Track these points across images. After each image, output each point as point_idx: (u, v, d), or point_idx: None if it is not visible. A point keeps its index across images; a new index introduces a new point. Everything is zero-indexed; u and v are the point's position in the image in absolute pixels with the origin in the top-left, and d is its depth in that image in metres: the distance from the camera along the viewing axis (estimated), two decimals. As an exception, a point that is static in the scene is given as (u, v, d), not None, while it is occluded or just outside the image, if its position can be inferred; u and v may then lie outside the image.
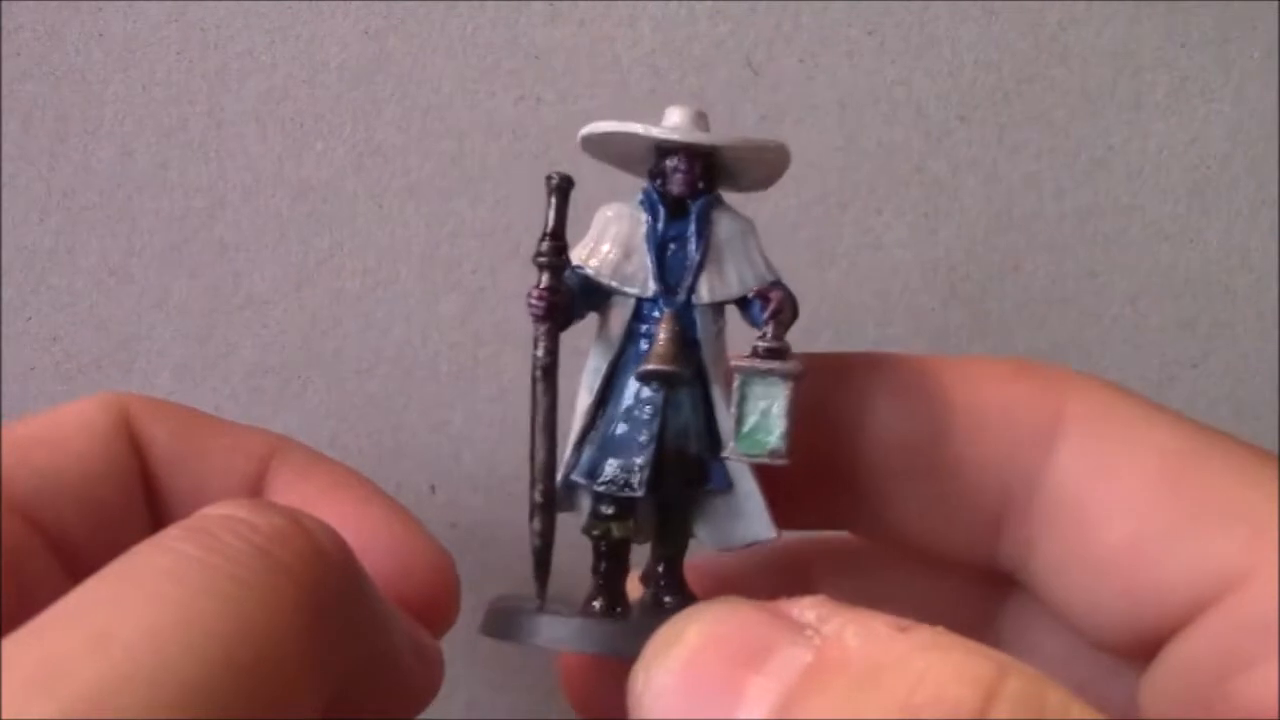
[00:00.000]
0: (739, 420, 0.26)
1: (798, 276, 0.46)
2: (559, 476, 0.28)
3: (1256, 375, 0.46)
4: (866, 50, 0.45)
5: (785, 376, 0.26)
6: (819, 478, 0.29)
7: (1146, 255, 0.46)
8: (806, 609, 0.23)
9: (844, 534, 0.32)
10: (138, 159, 0.45)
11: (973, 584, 0.31)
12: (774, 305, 0.27)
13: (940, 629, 0.22)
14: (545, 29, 0.45)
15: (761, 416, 0.26)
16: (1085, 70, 0.45)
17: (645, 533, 0.28)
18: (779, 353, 0.26)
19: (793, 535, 0.31)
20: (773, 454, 0.26)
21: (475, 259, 0.46)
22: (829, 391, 0.29)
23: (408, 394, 0.46)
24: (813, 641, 0.22)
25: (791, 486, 0.28)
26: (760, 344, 0.26)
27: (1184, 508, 0.26)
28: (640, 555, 0.29)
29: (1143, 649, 0.27)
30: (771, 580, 0.26)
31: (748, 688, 0.22)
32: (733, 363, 0.26)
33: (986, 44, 0.45)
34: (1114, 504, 0.26)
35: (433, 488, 0.47)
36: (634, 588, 0.29)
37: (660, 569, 0.29)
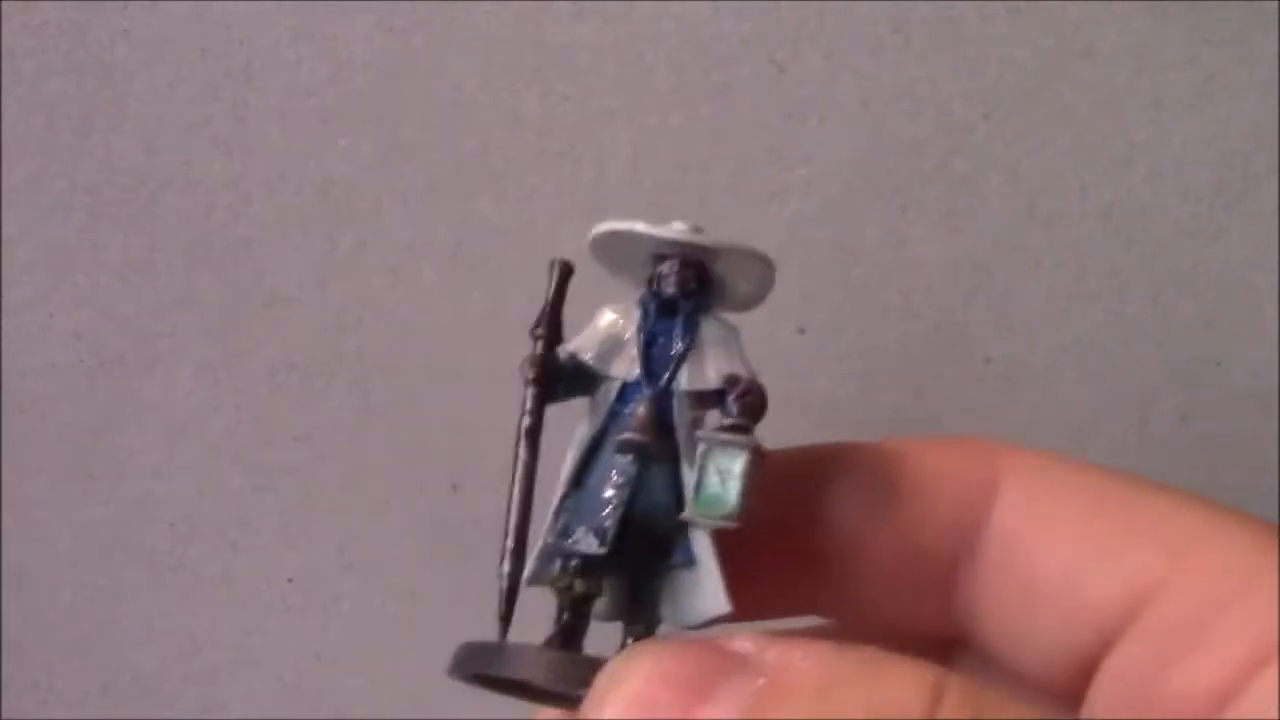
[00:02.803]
0: (699, 484, 0.28)
1: (821, 274, 0.46)
2: (543, 540, 0.30)
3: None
4: (891, 48, 0.45)
5: (743, 447, 0.28)
6: (786, 565, 0.31)
7: (1168, 253, 0.46)
8: (744, 641, 0.25)
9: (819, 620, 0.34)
10: (161, 155, 0.45)
11: (937, 654, 0.33)
12: (742, 386, 0.29)
13: (871, 648, 0.24)
14: (569, 26, 0.45)
15: (720, 483, 0.28)
16: (1108, 68, 0.46)
17: (614, 611, 0.30)
18: (741, 429, 0.29)
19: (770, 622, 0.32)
20: (727, 516, 0.28)
21: (499, 256, 0.45)
22: (789, 484, 0.31)
23: (430, 392, 0.46)
24: (756, 670, 0.24)
25: (760, 575, 0.30)
26: (725, 420, 0.29)
27: (1107, 533, 0.28)
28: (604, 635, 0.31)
29: (1082, 677, 0.28)
30: None
31: (700, 714, 0.24)
32: (698, 433, 0.29)
33: (1010, 42, 0.45)
34: (1045, 541, 0.29)
35: (455, 486, 0.47)
36: None
37: (628, 644, 0.30)
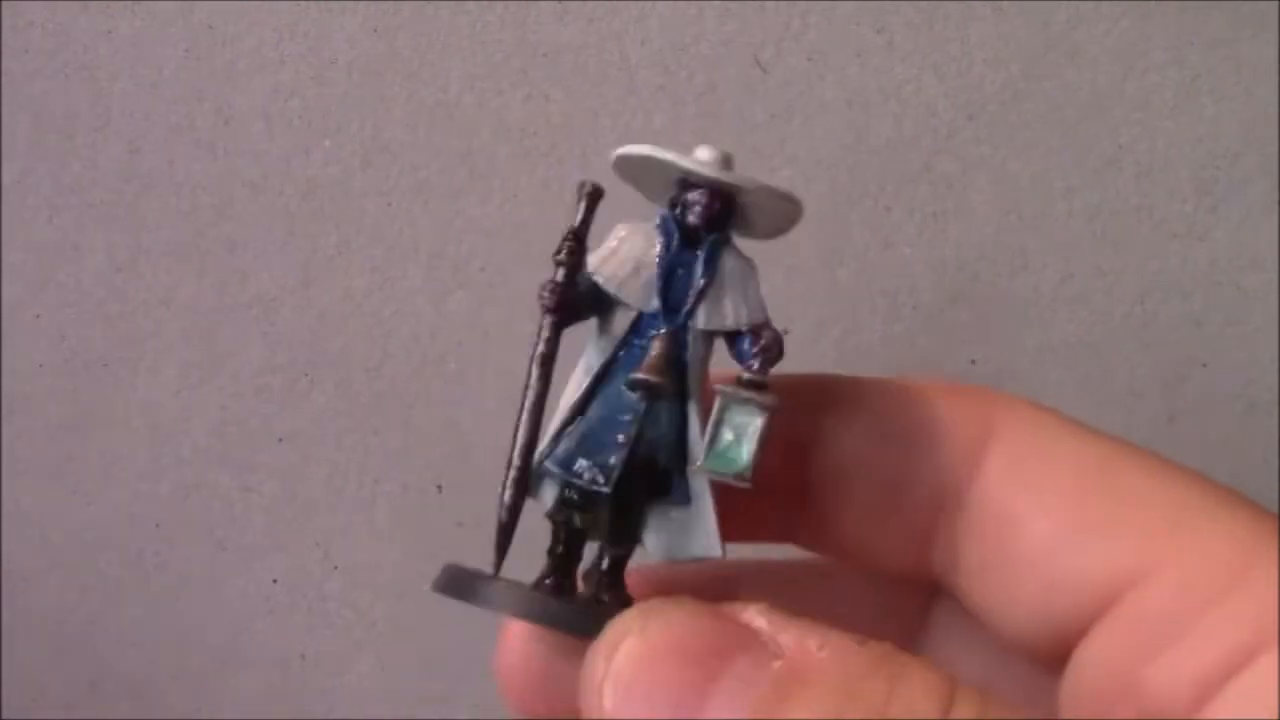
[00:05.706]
0: (713, 439, 0.28)
1: (806, 275, 0.46)
2: (535, 463, 0.29)
3: (1266, 374, 0.46)
4: (875, 48, 0.45)
5: (763, 407, 0.28)
6: (770, 492, 0.31)
7: (1155, 254, 0.46)
8: (756, 616, 0.25)
9: (767, 556, 0.33)
10: (145, 156, 0.45)
11: (892, 595, 0.33)
12: (764, 342, 0.29)
13: (889, 644, 0.24)
14: (554, 27, 0.45)
15: (735, 440, 0.28)
16: (1094, 69, 0.45)
17: (600, 530, 0.30)
18: (760, 386, 0.28)
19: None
20: (738, 476, 0.28)
21: (483, 257, 0.45)
22: (789, 412, 0.30)
23: (415, 392, 0.46)
24: (769, 649, 0.24)
25: (744, 499, 0.30)
26: (745, 375, 0.28)
27: (1095, 510, 0.27)
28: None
29: (1058, 648, 0.28)
30: (702, 593, 0.28)
31: (713, 692, 0.24)
32: (716, 386, 0.28)
33: (995, 42, 0.45)
34: (1033, 509, 0.28)
35: (439, 487, 0.47)
36: None
37: (604, 567, 0.30)
